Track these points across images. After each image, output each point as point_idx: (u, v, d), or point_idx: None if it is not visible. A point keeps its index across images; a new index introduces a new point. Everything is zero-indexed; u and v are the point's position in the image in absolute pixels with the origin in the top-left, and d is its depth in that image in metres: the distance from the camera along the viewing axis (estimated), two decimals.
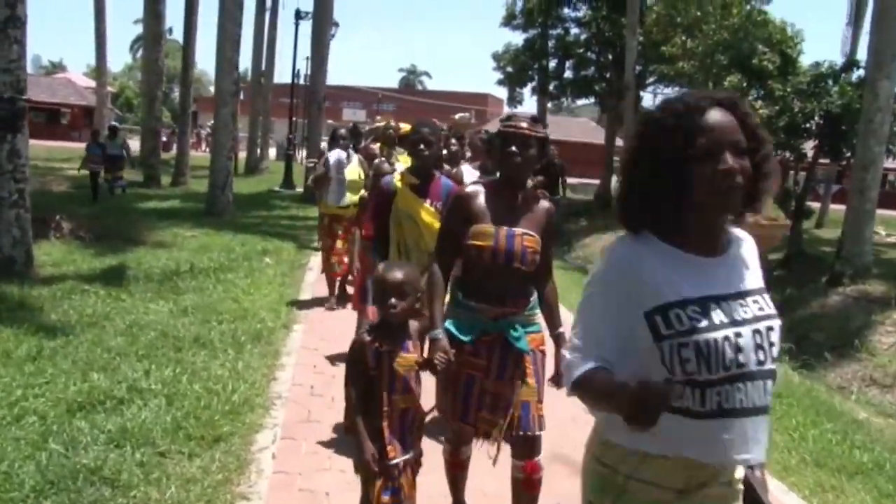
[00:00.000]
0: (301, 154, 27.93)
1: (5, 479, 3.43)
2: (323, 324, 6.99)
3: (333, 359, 5.77)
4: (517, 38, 28.22)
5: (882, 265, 11.85)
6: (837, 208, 18.29)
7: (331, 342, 6.14)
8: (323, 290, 7.95)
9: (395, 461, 2.74)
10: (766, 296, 1.73)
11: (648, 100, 25.52)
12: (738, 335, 1.61)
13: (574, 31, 27.13)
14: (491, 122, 41.86)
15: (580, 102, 29.31)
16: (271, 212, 16.64)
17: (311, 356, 5.95)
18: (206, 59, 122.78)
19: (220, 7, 14.61)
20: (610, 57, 25.77)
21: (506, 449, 3.04)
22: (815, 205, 19.98)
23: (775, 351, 1.67)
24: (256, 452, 4.08)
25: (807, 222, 16.24)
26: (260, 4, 28.58)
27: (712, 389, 1.60)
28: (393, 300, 2.74)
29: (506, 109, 48.25)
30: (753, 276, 1.73)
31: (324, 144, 15.27)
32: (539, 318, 3.09)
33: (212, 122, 18.12)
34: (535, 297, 3.07)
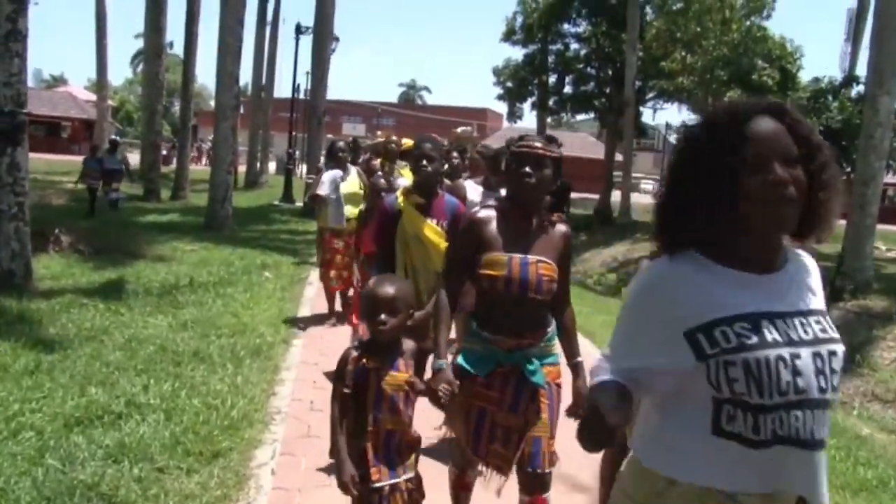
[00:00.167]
0: (301, 169, 27.97)
1: (1, 496, 3.38)
2: (322, 339, 6.95)
3: (333, 374, 5.74)
4: (517, 54, 28.50)
5: (883, 280, 11.83)
6: (838, 223, 18.30)
7: (330, 357, 6.09)
8: (322, 305, 7.91)
9: (378, 485, 2.60)
10: (829, 319, 1.59)
11: (648, 115, 25.61)
12: (795, 356, 1.46)
13: (574, 46, 27.30)
14: (490, 136, 41.98)
15: (580, 117, 29.46)
16: (271, 226, 16.64)
17: (310, 371, 5.91)
18: (206, 74, 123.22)
19: (221, 22, 14.68)
20: (610, 72, 25.89)
21: (512, 476, 2.95)
22: None
23: (836, 380, 1.52)
24: (255, 468, 4.04)
25: None
26: (260, 19, 28.74)
27: (767, 416, 1.44)
28: (383, 316, 2.62)
29: (505, 124, 48.48)
30: (815, 297, 1.61)
31: (323, 160, 15.29)
32: (557, 347, 2.96)
33: (212, 136, 18.15)
34: (552, 327, 2.93)
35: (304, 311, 8.08)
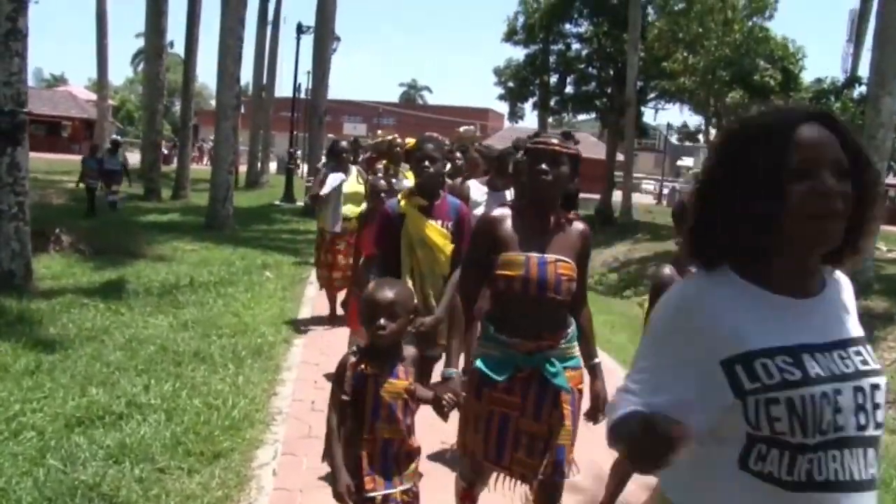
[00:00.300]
0: (303, 168, 27.97)
1: (2, 496, 3.37)
2: (323, 339, 6.94)
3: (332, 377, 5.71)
4: (518, 54, 28.42)
5: (883, 281, 11.81)
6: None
7: (331, 357, 6.07)
8: (322, 305, 7.88)
9: (371, 494, 2.52)
10: (869, 347, 1.46)
11: (649, 115, 25.60)
12: (837, 392, 1.34)
13: (575, 46, 27.26)
14: (492, 136, 41.96)
15: (581, 118, 29.42)
16: (272, 226, 16.63)
17: (311, 371, 5.90)
18: (207, 73, 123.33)
19: (222, 22, 14.67)
20: (611, 72, 25.87)
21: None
22: None
23: (880, 415, 1.39)
24: (257, 468, 4.03)
25: None
26: (261, 19, 28.73)
27: (804, 456, 1.33)
28: (382, 321, 2.53)
29: (507, 124, 48.47)
30: (854, 324, 1.48)
31: (324, 159, 15.27)
32: (577, 350, 2.87)
33: (213, 135, 18.15)
34: (573, 329, 2.84)
35: (305, 311, 8.07)
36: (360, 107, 58.70)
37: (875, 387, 1.40)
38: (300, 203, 20.84)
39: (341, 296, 7.35)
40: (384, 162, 7.16)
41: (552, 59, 27.40)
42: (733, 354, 1.37)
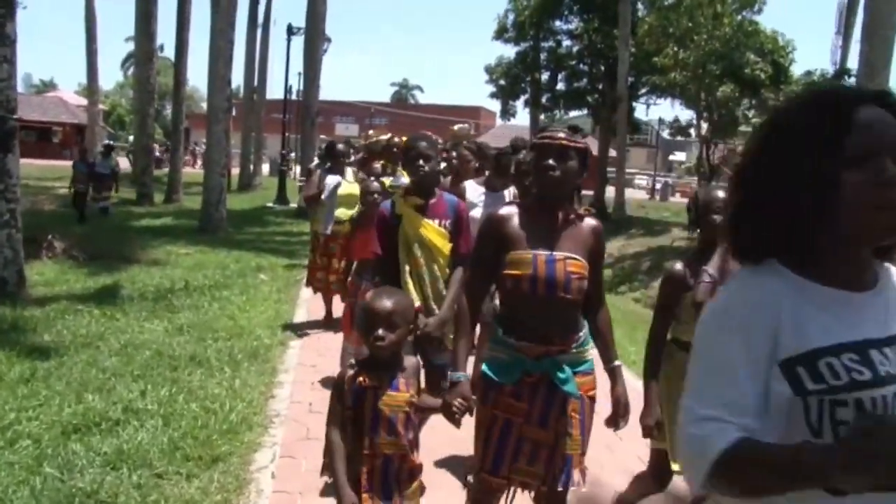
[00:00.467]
0: (296, 170, 27.91)
1: None
2: (320, 341, 6.92)
3: (330, 379, 5.68)
4: (509, 52, 28.38)
5: None
6: None
7: (328, 359, 6.08)
8: (318, 307, 7.84)
9: None
10: None
11: (641, 111, 25.65)
12: None
13: (566, 43, 27.28)
14: (484, 134, 41.95)
15: (573, 114, 29.34)
16: (265, 228, 16.61)
17: (308, 373, 5.89)
18: (197, 76, 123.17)
19: (212, 25, 14.64)
20: (602, 68, 25.90)
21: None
22: None
23: None
24: (255, 472, 4.02)
25: None
26: (251, 21, 28.68)
27: None
28: (381, 331, 2.44)
29: (498, 122, 48.47)
30: None
31: (315, 161, 15.23)
32: (591, 353, 2.74)
33: (205, 138, 18.10)
34: (585, 331, 2.71)
35: (301, 313, 8.05)
36: (351, 107, 58.68)
37: None
38: (293, 205, 20.81)
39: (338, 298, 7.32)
40: (381, 162, 7.12)
41: (543, 56, 27.40)
42: (795, 354, 1.24)
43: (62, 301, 7.52)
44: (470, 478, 3.90)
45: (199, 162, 37.37)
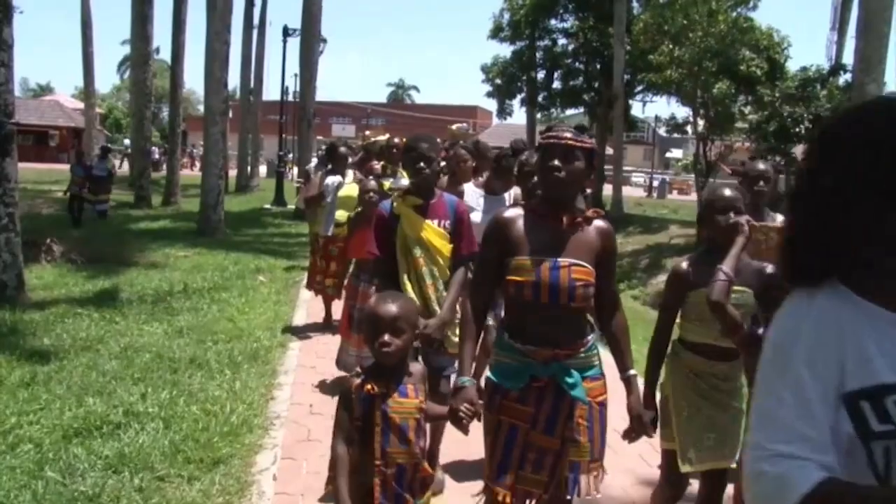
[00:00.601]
0: (293, 172, 27.90)
1: None
2: (319, 342, 6.93)
3: (329, 383, 5.67)
4: (505, 51, 28.40)
5: None
6: None
7: (328, 360, 6.08)
8: (317, 308, 7.85)
9: None
10: None
11: (637, 108, 25.63)
12: None
13: (561, 41, 27.27)
14: (481, 133, 41.94)
15: (569, 112, 29.38)
16: (263, 230, 16.61)
17: (308, 375, 5.90)
18: (193, 78, 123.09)
19: (208, 27, 14.62)
20: (598, 67, 25.89)
21: None
22: None
23: None
24: (257, 474, 4.03)
25: None
26: (247, 22, 28.63)
27: None
28: (386, 337, 2.37)
29: (495, 121, 48.44)
30: None
31: (313, 161, 15.21)
32: (598, 359, 2.64)
33: (202, 141, 18.08)
34: (593, 337, 2.63)
35: (300, 314, 8.06)
36: (348, 108, 58.62)
37: None
38: (291, 206, 20.80)
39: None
40: (381, 162, 7.11)
41: (539, 55, 27.40)
42: (860, 387, 1.12)
43: (61, 304, 7.52)
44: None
45: (198, 164, 37.39)
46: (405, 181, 6.41)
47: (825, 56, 23.27)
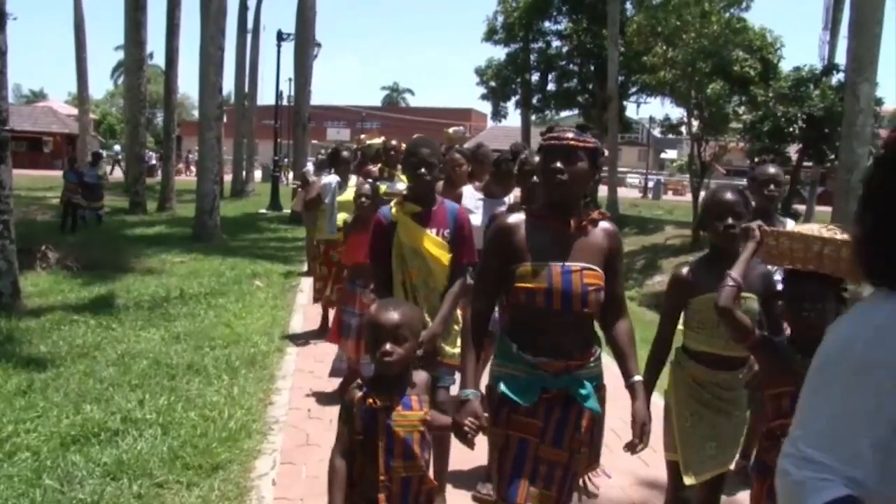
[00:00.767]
0: (289, 176, 27.87)
1: None
2: (317, 347, 6.92)
3: (329, 392, 5.66)
4: (499, 53, 28.46)
5: None
6: (823, 210, 18.44)
7: (326, 365, 6.07)
8: (314, 312, 7.84)
9: None
10: None
11: (632, 109, 25.67)
12: None
13: (555, 43, 27.34)
14: (475, 136, 41.96)
15: (564, 114, 29.41)
16: (259, 234, 16.58)
17: (306, 379, 5.89)
18: (188, 83, 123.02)
19: (202, 32, 14.61)
20: (592, 68, 25.97)
21: None
22: (801, 207, 20.15)
23: None
24: (256, 479, 4.02)
25: None
26: (241, 27, 28.65)
27: None
28: (387, 346, 2.28)
29: (490, 124, 48.47)
30: None
31: (309, 165, 15.19)
32: (601, 367, 2.58)
33: (197, 146, 18.05)
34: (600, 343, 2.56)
35: (297, 319, 8.05)
36: (343, 111, 58.63)
37: None
38: (286, 211, 20.77)
39: None
40: (378, 165, 7.10)
41: (533, 57, 27.46)
42: None
43: (57, 311, 7.50)
44: (480, 488, 3.91)
45: (193, 169, 37.32)
46: (401, 185, 6.39)
47: (818, 56, 23.38)
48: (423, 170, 3.38)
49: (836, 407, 1.11)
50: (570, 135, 2.42)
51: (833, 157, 13.65)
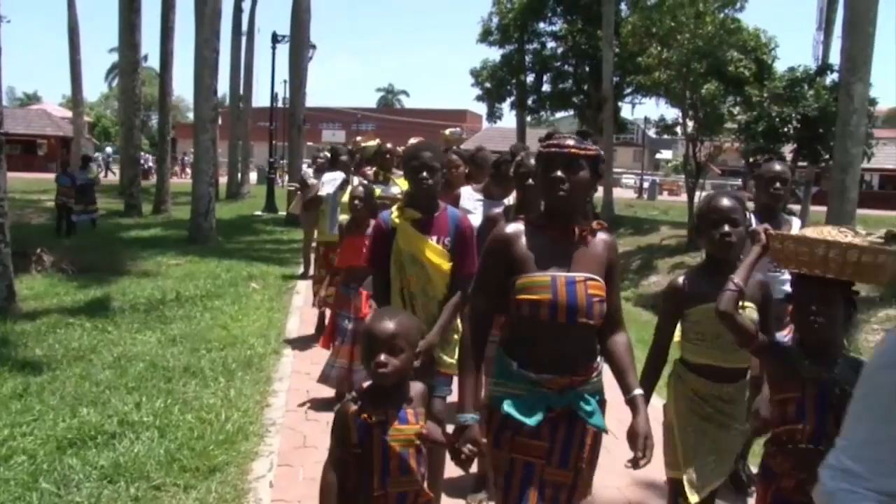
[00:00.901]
0: (285, 178, 27.84)
1: None
2: (313, 348, 6.91)
3: (324, 396, 5.64)
4: (494, 54, 28.46)
5: None
6: (818, 209, 18.50)
7: (322, 366, 6.08)
8: (311, 314, 7.82)
9: None
10: None
11: (627, 110, 25.68)
12: None
13: (550, 44, 27.38)
14: (470, 138, 42.00)
15: (559, 115, 29.47)
16: (255, 236, 16.57)
17: (302, 381, 5.89)
18: (182, 85, 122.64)
19: (197, 34, 14.59)
20: (587, 69, 26.01)
21: None
22: (796, 207, 20.21)
23: None
24: (253, 481, 4.02)
25: None
26: (235, 29, 28.60)
27: None
28: (382, 357, 2.20)
29: (485, 125, 48.55)
30: None
31: (304, 167, 15.19)
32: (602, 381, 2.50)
33: (192, 148, 18.01)
34: (601, 358, 2.47)
35: (293, 321, 8.04)
36: (338, 113, 58.65)
37: None
38: (282, 213, 20.75)
39: None
40: (374, 168, 7.10)
41: (528, 58, 27.49)
42: None
43: (53, 315, 7.49)
44: (471, 500, 3.90)
45: (188, 172, 37.26)
46: (395, 189, 6.38)
47: (812, 56, 23.43)
48: (424, 174, 3.27)
49: (878, 420, 1.10)
50: (571, 142, 2.34)
51: (827, 156, 13.67)
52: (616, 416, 2.74)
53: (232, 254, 12.83)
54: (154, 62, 28.19)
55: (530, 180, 3.51)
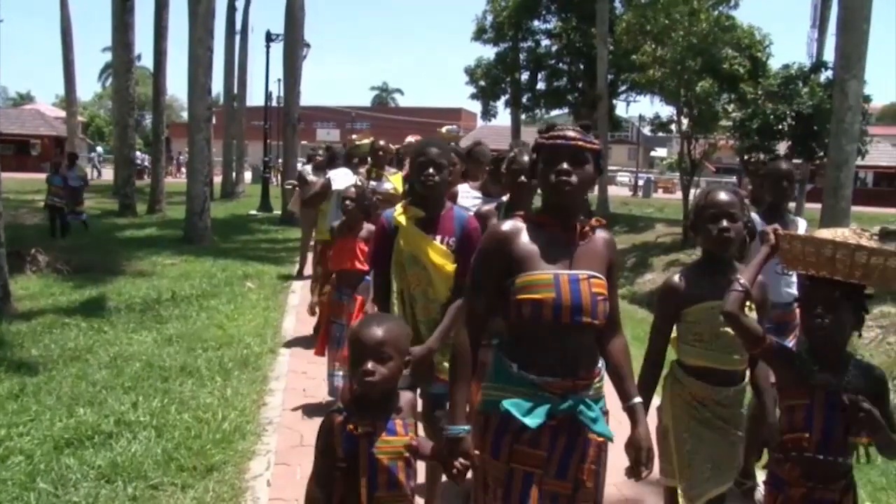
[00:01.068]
0: (279, 177, 27.80)
1: None
2: (310, 347, 6.89)
3: (321, 394, 5.62)
4: (488, 52, 28.49)
5: None
6: (812, 207, 18.56)
7: (319, 366, 6.04)
8: (308, 315, 7.79)
9: None
10: None
11: (621, 108, 25.74)
12: None
13: (545, 42, 27.45)
14: (465, 136, 41.97)
15: (554, 113, 29.49)
16: (250, 236, 16.55)
17: (299, 380, 5.89)
18: (176, 85, 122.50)
19: (190, 33, 14.55)
20: (581, 67, 26.08)
21: None
22: (791, 204, 20.25)
23: None
24: (251, 480, 4.03)
25: None
26: (229, 28, 28.54)
27: None
28: (369, 365, 2.10)
29: (480, 123, 48.50)
30: None
31: (300, 166, 15.17)
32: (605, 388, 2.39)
33: (186, 148, 17.96)
34: (602, 363, 2.37)
35: (289, 320, 8.04)
36: (332, 112, 58.55)
37: None
38: (277, 212, 20.72)
39: None
40: (367, 166, 7.09)
41: (522, 56, 27.53)
42: None
43: (48, 315, 7.47)
44: None
45: (184, 171, 37.14)
46: (388, 185, 6.36)
47: (806, 53, 23.53)
48: (430, 170, 3.17)
49: None
50: (576, 134, 2.24)
51: (822, 154, 13.72)
52: (615, 416, 2.74)
53: (227, 253, 12.81)
54: (148, 61, 28.15)
55: (522, 177, 3.40)
